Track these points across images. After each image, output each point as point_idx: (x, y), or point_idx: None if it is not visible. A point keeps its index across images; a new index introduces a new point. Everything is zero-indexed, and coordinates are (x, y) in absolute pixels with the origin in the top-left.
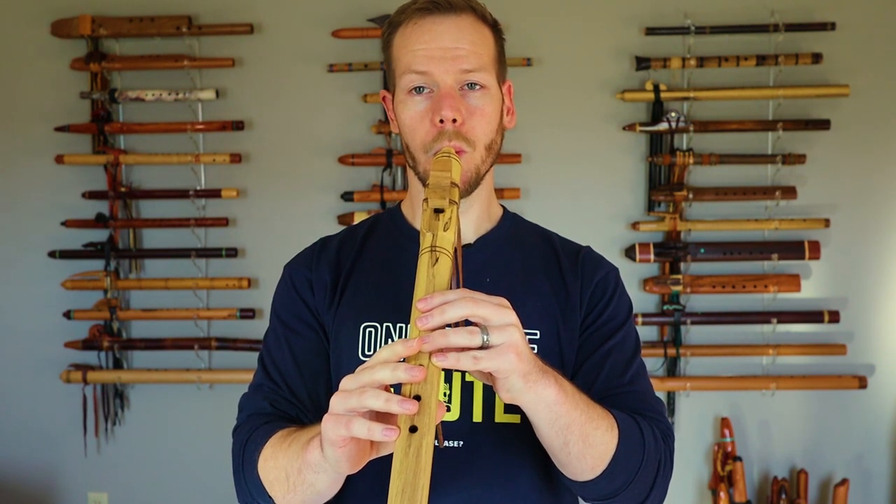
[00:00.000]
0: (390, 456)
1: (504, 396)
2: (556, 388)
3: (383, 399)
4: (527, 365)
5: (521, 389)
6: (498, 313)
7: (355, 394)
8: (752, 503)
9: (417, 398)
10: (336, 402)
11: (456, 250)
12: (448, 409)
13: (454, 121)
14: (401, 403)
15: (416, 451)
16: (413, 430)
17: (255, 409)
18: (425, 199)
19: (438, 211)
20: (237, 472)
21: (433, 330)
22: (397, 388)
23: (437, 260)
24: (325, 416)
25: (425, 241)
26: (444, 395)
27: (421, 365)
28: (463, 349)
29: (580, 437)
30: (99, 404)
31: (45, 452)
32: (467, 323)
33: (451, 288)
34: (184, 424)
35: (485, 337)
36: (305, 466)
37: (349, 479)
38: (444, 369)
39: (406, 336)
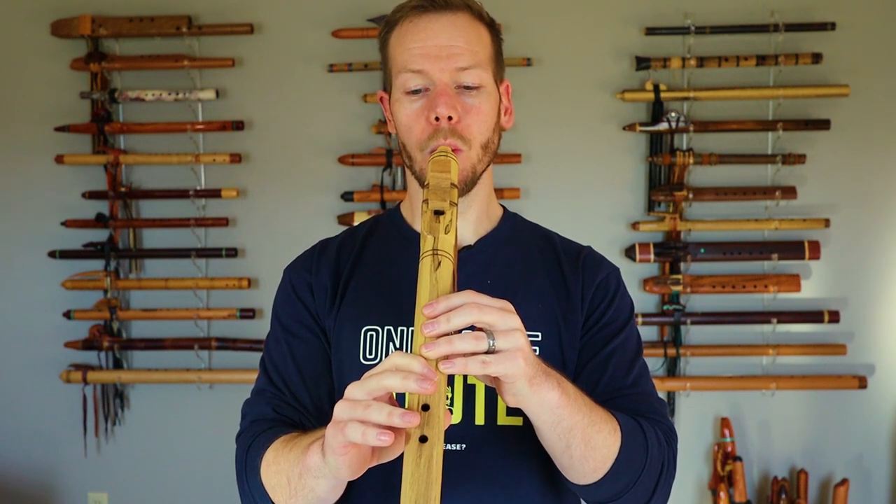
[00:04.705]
0: (395, 461)
1: (509, 401)
2: (559, 391)
3: (386, 413)
4: (532, 369)
5: (526, 393)
6: (503, 318)
7: (360, 405)
8: (752, 503)
9: (425, 408)
10: (340, 410)
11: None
12: (450, 412)
13: (450, 118)
14: (403, 417)
15: (426, 461)
16: (423, 440)
17: (257, 415)
18: (425, 201)
19: (439, 213)
20: (240, 478)
21: (439, 337)
22: (401, 395)
23: (439, 264)
24: (329, 425)
25: (426, 244)
26: (447, 398)
27: (431, 378)
28: (468, 354)
29: (582, 441)
30: (99, 404)
31: (45, 452)
32: (471, 326)
33: (453, 291)
34: (184, 424)
35: (491, 342)
36: (306, 471)
37: (355, 484)
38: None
39: (410, 340)
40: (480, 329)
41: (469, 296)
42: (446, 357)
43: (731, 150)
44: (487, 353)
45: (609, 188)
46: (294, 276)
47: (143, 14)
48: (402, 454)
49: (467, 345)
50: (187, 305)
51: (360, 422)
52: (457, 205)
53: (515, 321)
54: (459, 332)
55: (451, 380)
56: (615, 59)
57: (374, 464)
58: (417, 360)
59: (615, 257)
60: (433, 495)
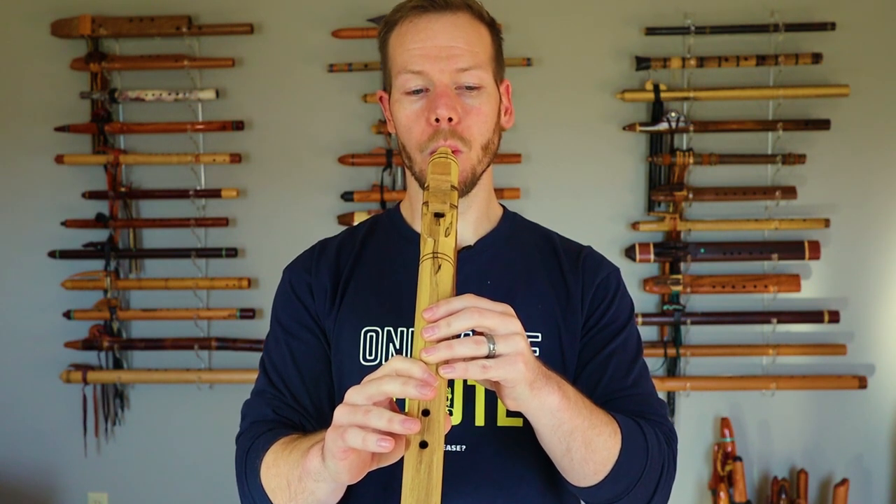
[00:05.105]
0: (395, 464)
1: (510, 404)
2: (560, 394)
3: (386, 419)
4: (533, 373)
5: (526, 397)
6: (503, 322)
7: (360, 410)
8: (752, 503)
9: (426, 413)
10: (340, 414)
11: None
12: (450, 414)
13: (450, 120)
14: (403, 424)
15: (427, 467)
16: (423, 445)
17: (257, 416)
18: (425, 203)
19: (439, 216)
20: (240, 480)
21: (439, 341)
22: (401, 398)
23: (439, 267)
24: (329, 429)
25: (426, 247)
26: (447, 400)
27: (431, 384)
28: (469, 359)
29: (583, 443)
30: (99, 404)
31: (45, 452)
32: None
33: (453, 295)
34: (184, 424)
35: (491, 346)
36: (305, 474)
37: (354, 487)
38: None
39: (409, 342)
40: (481, 333)
41: (469, 300)
42: (446, 361)
43: (731, 150)
44: (488, 357)
45: (609, 188)
46: (293, 276)
47: (143, 14)
48: (401, 458)
49: (467, 349)
50: (187, 305)
51: (360, 427)
52: (457, 207)
53: (516, 325)
54: (459, 336)
55: (451, 381)
56: (615, 59)
57: (374, 467)
58: (418, 365)
59: (615, 257)
60: (434, 501)
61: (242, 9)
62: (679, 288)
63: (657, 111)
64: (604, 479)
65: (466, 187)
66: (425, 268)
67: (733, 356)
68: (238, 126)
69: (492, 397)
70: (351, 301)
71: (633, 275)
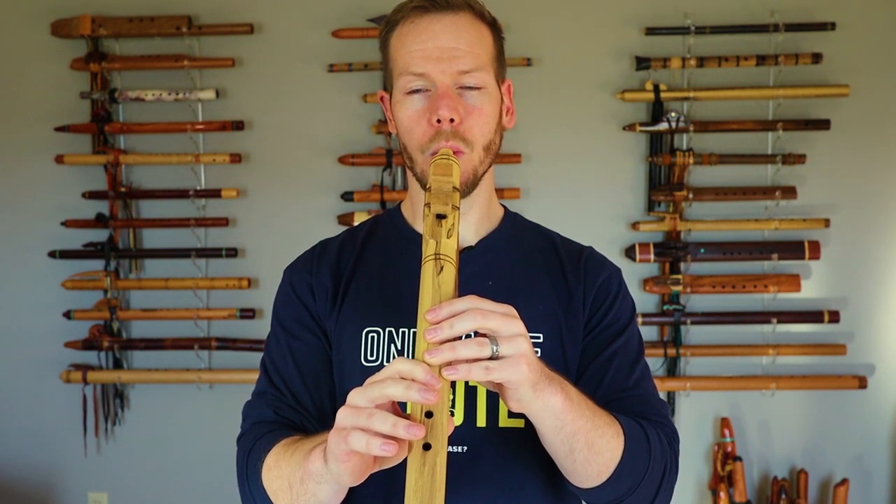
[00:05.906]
0: (397, 466)
1: (513, 406)
2: (563, 395)
3: (390, 424)
4: (536, 374)
5: (530, 399)
6: (506, 324)
7: (363, 413)
8: (752, 503)
9: (429, 415)
10: (343, 416)
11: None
12: (452, 415)
13: (451, 121)
14: (407, 429)
15: (430, 469)
16: (427, 447)
17: (258, 418)
18: (427, 204)
19: (441, 217)
20: (242, 481)
21: (442, 343)
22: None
23: (441, 268)
24: (332, 431)
25: (428, 248)
26: (449, 400)
27: (434, 388)
28: (471, 360)
29: (586, 445)
30: (99, 404)
31: (45, 452)
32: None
33: (455, 296)
34: (184, 424)
35: (494, 348)
36: (307, 476)
37: (356, 489)
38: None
39: (411, 342)
40: (483, 334)
41: (472, 301)
42: (449, 363)
43: (731, 150)
44: (491, 358)
45: (609, 188)
46: (294, 276)
47: (143, 14)
48: (404, 460)
49: (470, 351)
50: (187, 305)
51: (363, 430)
52: (458, 208)
53: (519, 326)
54: (462, 337)
55: (453, 383)
56: (615, 59)
57: (377, 469)
58: (420, 367)
59: (615, 257)
60: (437, 503)
61: (242, 9)
62: (679, 288)
63: (657, 111)
64: (607, 480)
65: (468, 188)
66: (427, 269)
67: (733, 356)
68: (238, 126)
69: (494, 398)
70: (352, 301)
71: (633, 275)
